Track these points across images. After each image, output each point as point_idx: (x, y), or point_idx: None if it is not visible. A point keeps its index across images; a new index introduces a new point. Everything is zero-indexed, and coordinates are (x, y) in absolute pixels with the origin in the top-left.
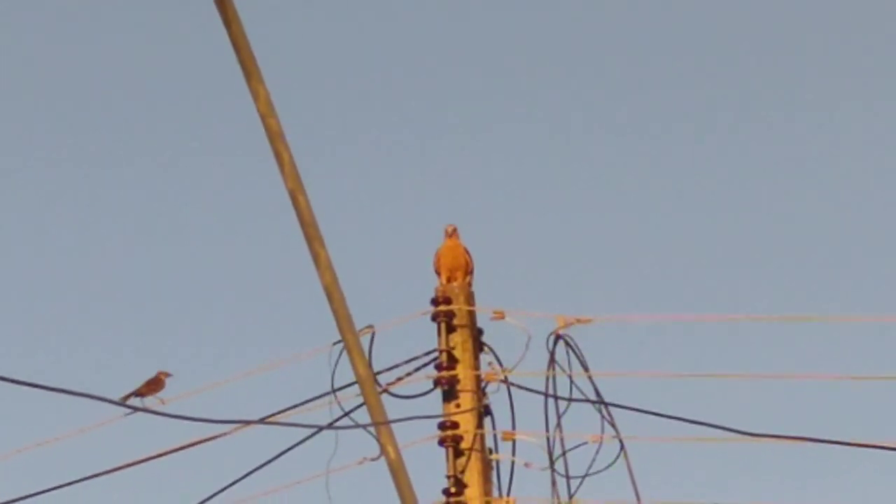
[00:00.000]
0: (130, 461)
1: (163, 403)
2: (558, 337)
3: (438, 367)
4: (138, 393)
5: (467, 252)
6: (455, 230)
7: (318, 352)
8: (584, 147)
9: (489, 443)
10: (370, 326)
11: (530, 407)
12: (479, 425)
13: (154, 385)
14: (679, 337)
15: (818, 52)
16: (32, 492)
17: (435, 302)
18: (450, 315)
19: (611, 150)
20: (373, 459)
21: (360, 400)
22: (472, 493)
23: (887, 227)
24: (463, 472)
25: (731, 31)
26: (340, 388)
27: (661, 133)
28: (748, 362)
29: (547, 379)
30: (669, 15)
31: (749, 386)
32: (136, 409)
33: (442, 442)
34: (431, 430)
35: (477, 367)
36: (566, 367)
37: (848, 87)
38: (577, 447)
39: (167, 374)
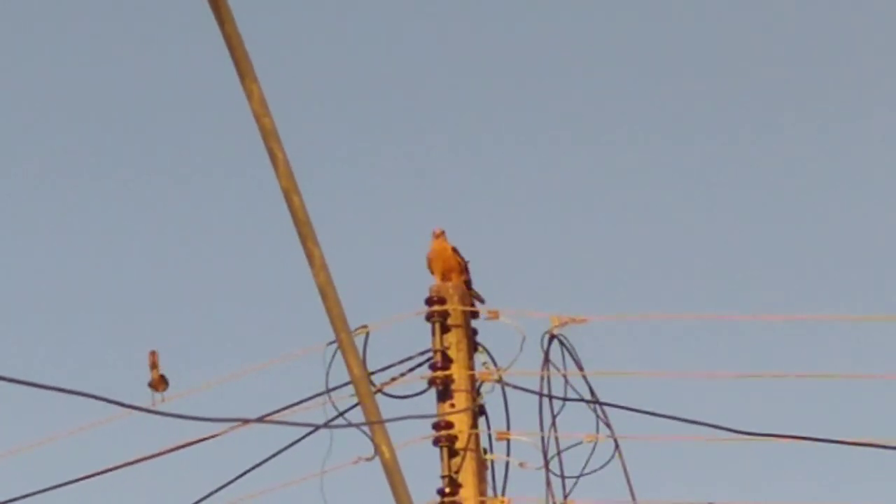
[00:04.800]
0: (126, 461)
1: (163, 401)
2: (553, 336)
3: (433, 367)
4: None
5: (457, 252)
6: (442, 232)
7: (313, 351)
8: (579, 146)
9: (484, 443)
10: (364, 326)
11: (525, 407)
12: (474, 425)
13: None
14: (674, 336)
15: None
16: (28, 492)
17: (429, 302)
18: (444, 315)
19: (605, 149)
20: (367, 459)
21: (355, 400)
22: (467, 493)
23: (872, 229)
24: (458, 472)
25: (728, 34)
26: (335, 388)
27: (656, 133)
28: (743, 361)
29: (542, 379)
30: (664, 16)
31: (744, 385)
32: (130, 407)
33: (436, 442)
34: (426, 430)
35: (471, 366)
36: (561, 367)
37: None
38: (571, 447)
39: (154, 353)
